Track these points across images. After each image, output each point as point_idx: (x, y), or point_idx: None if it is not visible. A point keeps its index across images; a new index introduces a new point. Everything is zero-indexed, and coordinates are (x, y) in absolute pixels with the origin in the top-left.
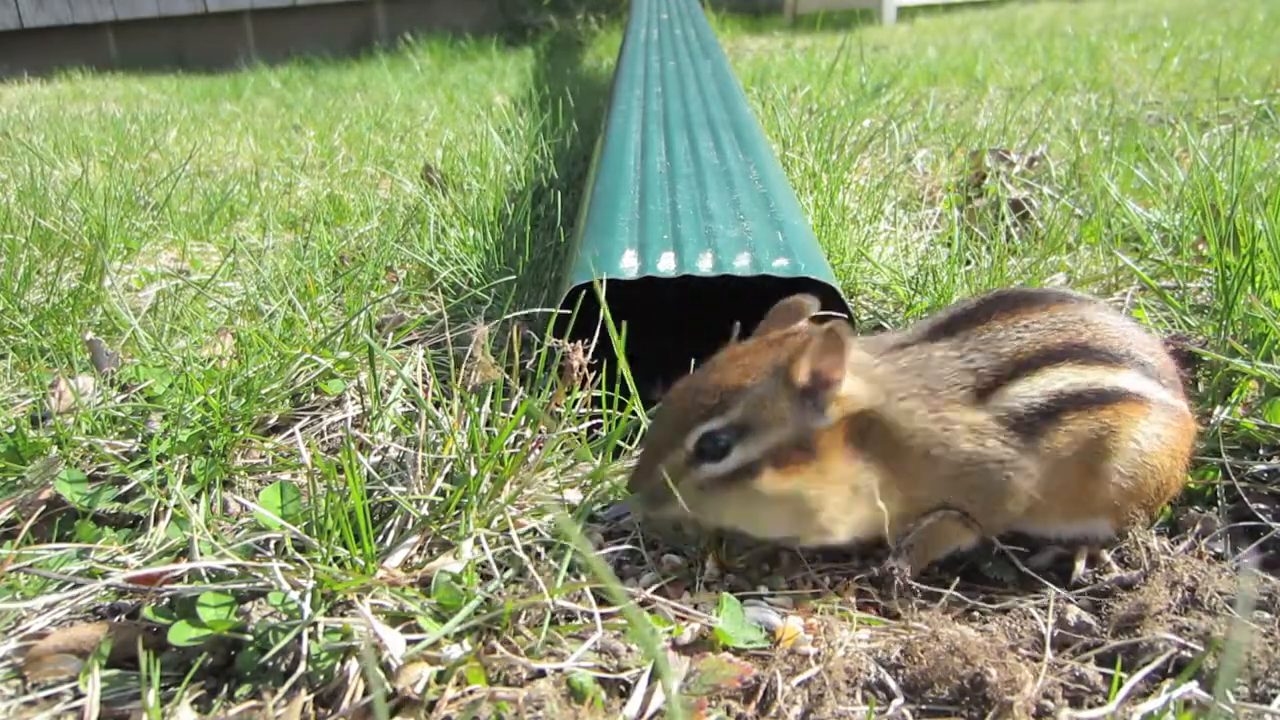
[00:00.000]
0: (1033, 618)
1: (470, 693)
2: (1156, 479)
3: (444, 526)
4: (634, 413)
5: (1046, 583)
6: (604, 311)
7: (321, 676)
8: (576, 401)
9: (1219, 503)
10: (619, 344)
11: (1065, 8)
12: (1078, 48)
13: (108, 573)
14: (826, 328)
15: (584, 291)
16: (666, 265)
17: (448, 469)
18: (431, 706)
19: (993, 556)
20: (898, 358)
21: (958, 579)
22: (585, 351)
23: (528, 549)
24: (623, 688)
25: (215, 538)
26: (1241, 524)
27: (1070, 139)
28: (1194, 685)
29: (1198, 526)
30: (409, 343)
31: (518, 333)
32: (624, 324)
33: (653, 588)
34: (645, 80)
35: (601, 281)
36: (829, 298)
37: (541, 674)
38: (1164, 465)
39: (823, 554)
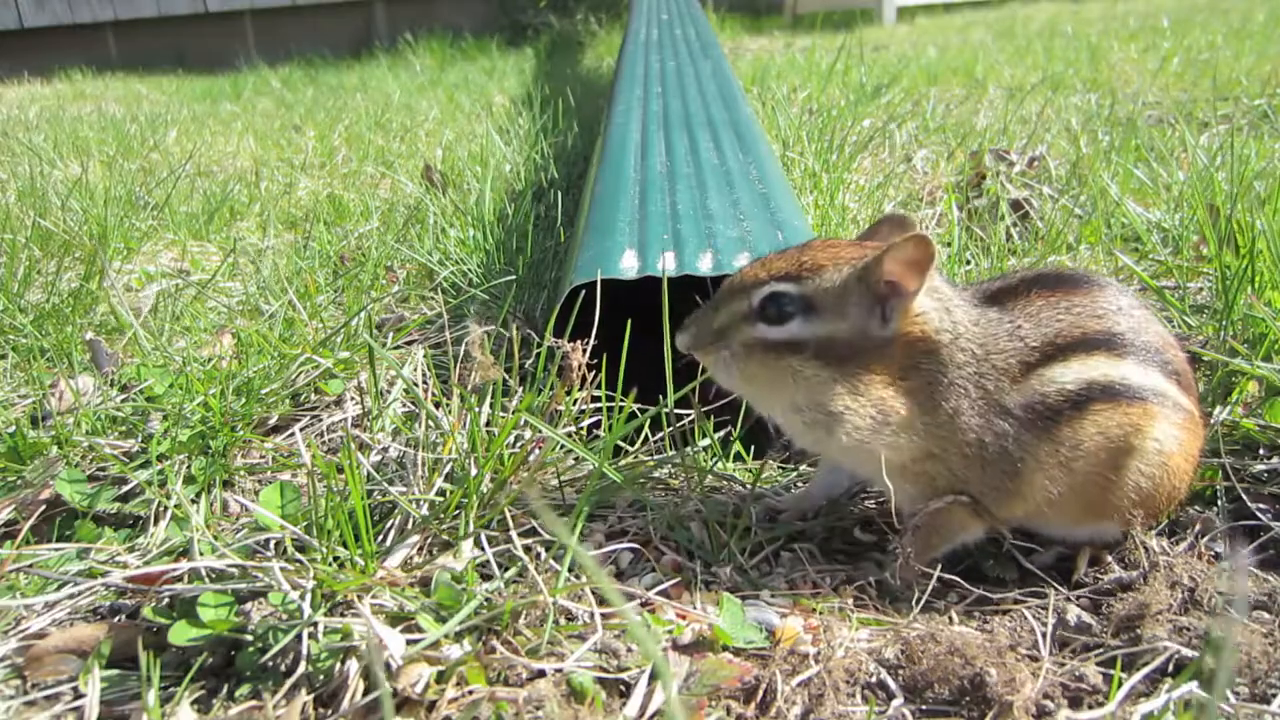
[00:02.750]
0: (1033, 618)
1: (470, 693)
2: (1171, 482)
3: (444, 526)
4: (634, 413)
5: (1049, 580)
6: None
7: (321, 676)
8: (576, 401)
9: (1219, 503)
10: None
11: (1065, 8)
12: (1078, 48)
13: (108, 573)
14: (916, 235)
15: (584, 291)
16: (666, 265)
17: (448, 469)
18: (431, 706)
19: (994, 555)
20: (973, 311)
21: (960, 579)
22: (584, 351)
23: (528, 549)
24: (623, 688)
25: (215, 538)
26: (1241, 524)
27: (1070, 139)
28: (1194, 685)
29: (1198, 526)
30: (409, 343)
31: (517, 332)
32: (614, 325)
33: (653, 588)
34: (645, 80)
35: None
36: None
37: (541, 674)
38: (1180, 467)
39: (823, 554)
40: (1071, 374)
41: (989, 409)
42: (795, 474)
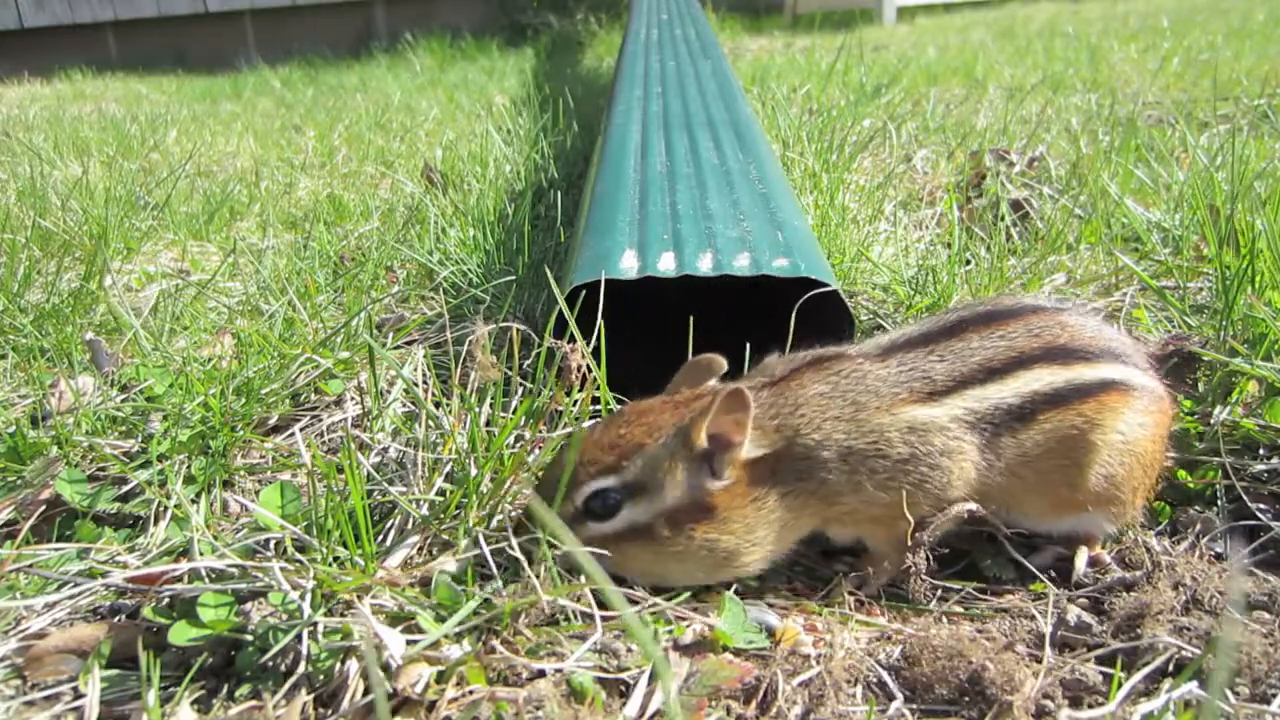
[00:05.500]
0: (1033, 617)
1: (470, 693)
2: (1142, 462)
3: (444, 526)
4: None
5: (1047, 581)
6: (597, 316)
7: (321, 676)
8: (576, 402)
9: (1219, 503)
10: (587, 348)
11: (1065, 8)
12: (1078, 48)
13: (108, 573)
14: (729, 389)
15: (584, 291)
16: (666, 265)
17: (448, 469)
18: (431, 706)
19: (992, 555)
20: (808, 385)
21: (960, 579)
22: (584, 351)
23: (527, 550)
24: (623, 688)
25: (215, 538)
26: (1241, 524)
27: (1070, 139)
28: (1194, 685)
29: (1198, 526)
30: (409, 343)
31: (517, 333)
32: (615, 325)
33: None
34: (645, 80)
35: (599, 283)
36: (829, 297)
37: (541, 674)
38: (1147, 449)
39: (823, 555)
40: (1009, 390)
41: (894, 442)
42: None
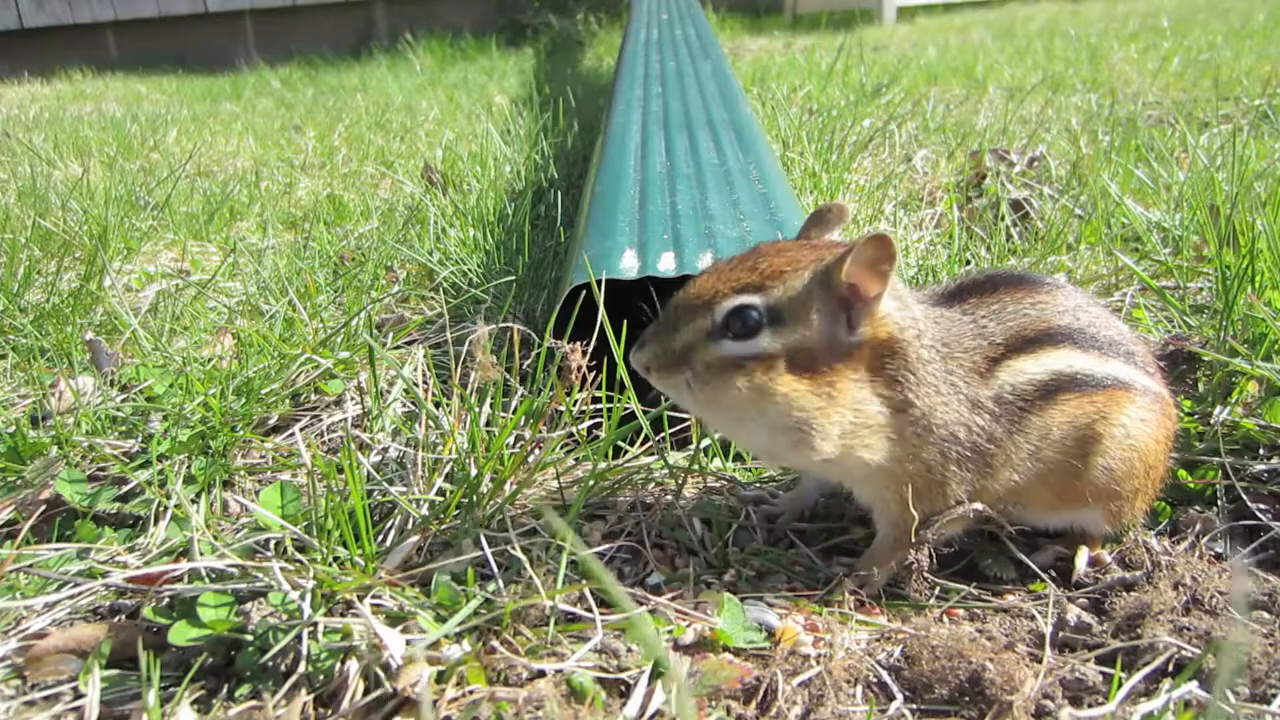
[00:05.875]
0: (1033, 617)
1: (470, 693)
2: (1145, 461)
3: (444, 526)
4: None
5: (1047, 581)
6: (601, 313)
7: (321, 676)
8: (576, 402)
9: (1219, 503)
10: (617, 349)
11: (1065, 8)
12: (1078, 48)
13: (108, 573)
14: (876, 235)
15: (584, 291)
16: (666, 265)
17: (448, 469)
18: (432, 706)
19: (993, 555)
20: (932, 310)
21: (960, 579)
22: (584, 352)
23: (527, 550)
24: (623, 688)
25: (215, 538)
26: (1241, 524)
27: (1070, 139)
28: (1194, 685)
29: (1198, 526)
30: (409, 343)
31: (517, 333)
32: (614, 324)
33: (654, 588)
34: (645, 80)
35: (600, 284)
36: None
37: (541, 674)
38: (1149, 448)
39: (823, 556)
40: (1039, 365)
41: (960, 404)
42: (792, 475)
